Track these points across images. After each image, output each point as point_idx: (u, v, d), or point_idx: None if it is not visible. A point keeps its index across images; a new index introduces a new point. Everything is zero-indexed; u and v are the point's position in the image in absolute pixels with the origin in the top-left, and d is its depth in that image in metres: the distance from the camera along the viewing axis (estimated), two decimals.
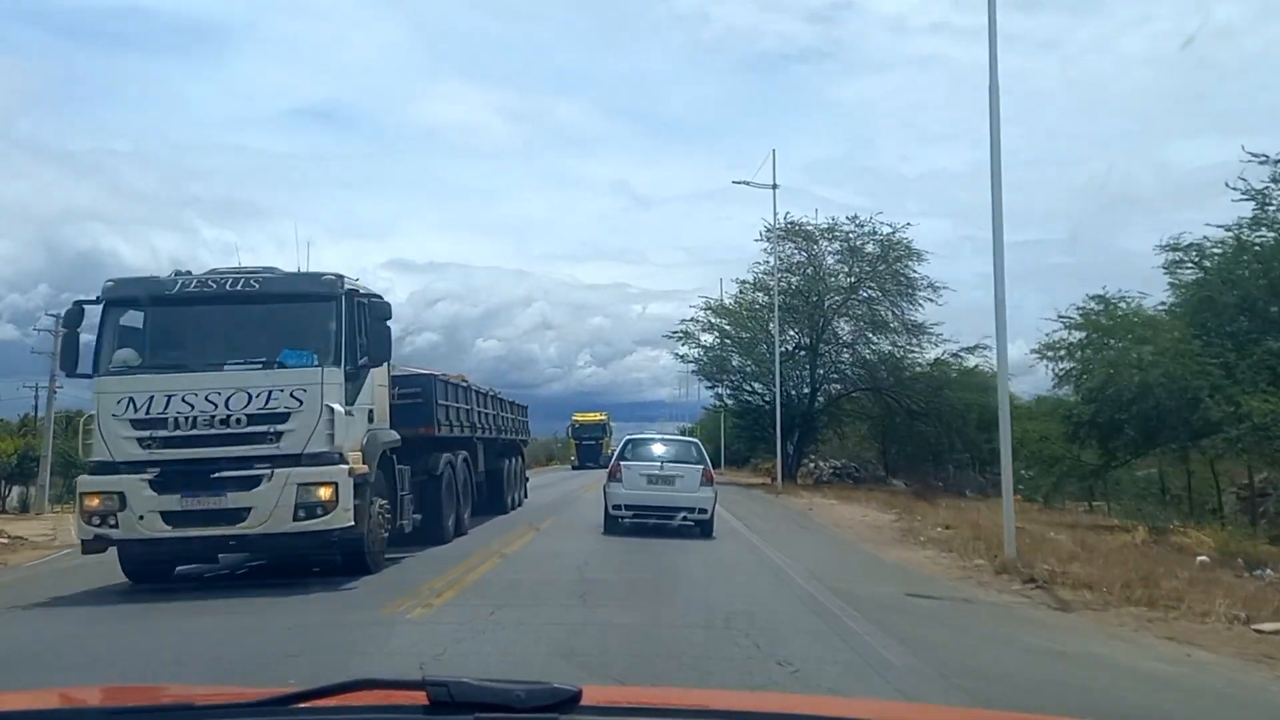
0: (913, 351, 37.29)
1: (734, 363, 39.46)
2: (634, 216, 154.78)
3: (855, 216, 36.78)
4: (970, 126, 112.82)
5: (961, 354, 36.76)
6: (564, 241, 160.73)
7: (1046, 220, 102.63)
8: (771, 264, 37.26)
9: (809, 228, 37.13)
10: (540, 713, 1.62)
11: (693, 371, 43.59)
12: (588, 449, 55.57)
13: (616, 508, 15.90)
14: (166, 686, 3.45)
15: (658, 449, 17.00)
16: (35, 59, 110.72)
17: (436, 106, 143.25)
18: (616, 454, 17.20)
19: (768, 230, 37.22)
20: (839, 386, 39.23)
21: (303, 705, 1.71)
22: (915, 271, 36.64)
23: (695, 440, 20.46)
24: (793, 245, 38.02)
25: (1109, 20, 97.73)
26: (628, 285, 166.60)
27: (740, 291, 39.71)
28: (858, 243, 37.15)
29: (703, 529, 15.73)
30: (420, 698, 1.65)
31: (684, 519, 15.58)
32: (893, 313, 37.45)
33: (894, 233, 36.46)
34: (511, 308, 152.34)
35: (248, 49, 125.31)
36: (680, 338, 40.01)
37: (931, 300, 36.59)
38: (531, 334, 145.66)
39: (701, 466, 16.18)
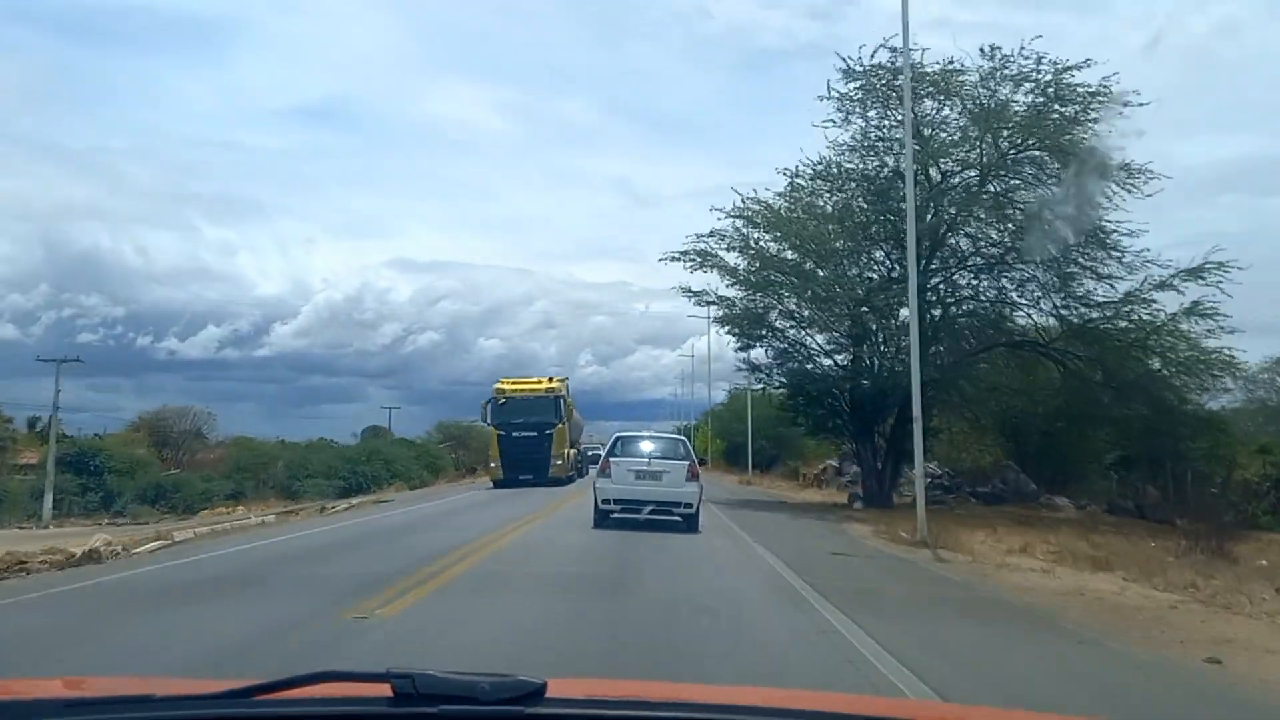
0: (1090, 277, 21.45)
1: (783, 302, 23.28)
2: (635, 214, 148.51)
3: (994, 48, 20.84)
4: None
5: (1175, 280, 20.78)
6: (565, 240, 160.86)
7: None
8: (851, 131, 21.67)
9: (913, 69, 21.09)
10: (505, 705, 1.57)
11: (717, 320, 27.24)
12: (522, 448, 29.88)
13: (605, 502, 16.31)
14: (127, 678, 3.33)
15: (646, 446, 17.17)
16: (32, 56, 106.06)
17: (436, 104, 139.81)
18: (606, 451, 17.51)
19: (846, 72, 21.57)
20: (969, 339, 23.08)
21: (264, 697, 1.66)
22: (1099, 137, 20.72)
23: (682, 438, 20.38)
24: (878, 110, 22.25)
25: (1112, 18, 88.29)
26: (629, 284, 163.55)
27: (790, 188, 23.50)
28: (998, 93, 21.23)
29: (688, 523, 15.92)
30: (384, 690, 1.59)
31: (652, 512, 15.81)
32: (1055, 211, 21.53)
33: (1062, 70, 20.64)
34: (513, 306, 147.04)
35: (246, 46, 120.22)
36: (695, 263, 23.66)
37: (1133, 190, 20.79)
38: (533, 333, 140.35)
39: (687, 462, 16.62)
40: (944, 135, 22.62)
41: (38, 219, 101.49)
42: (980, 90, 21.74)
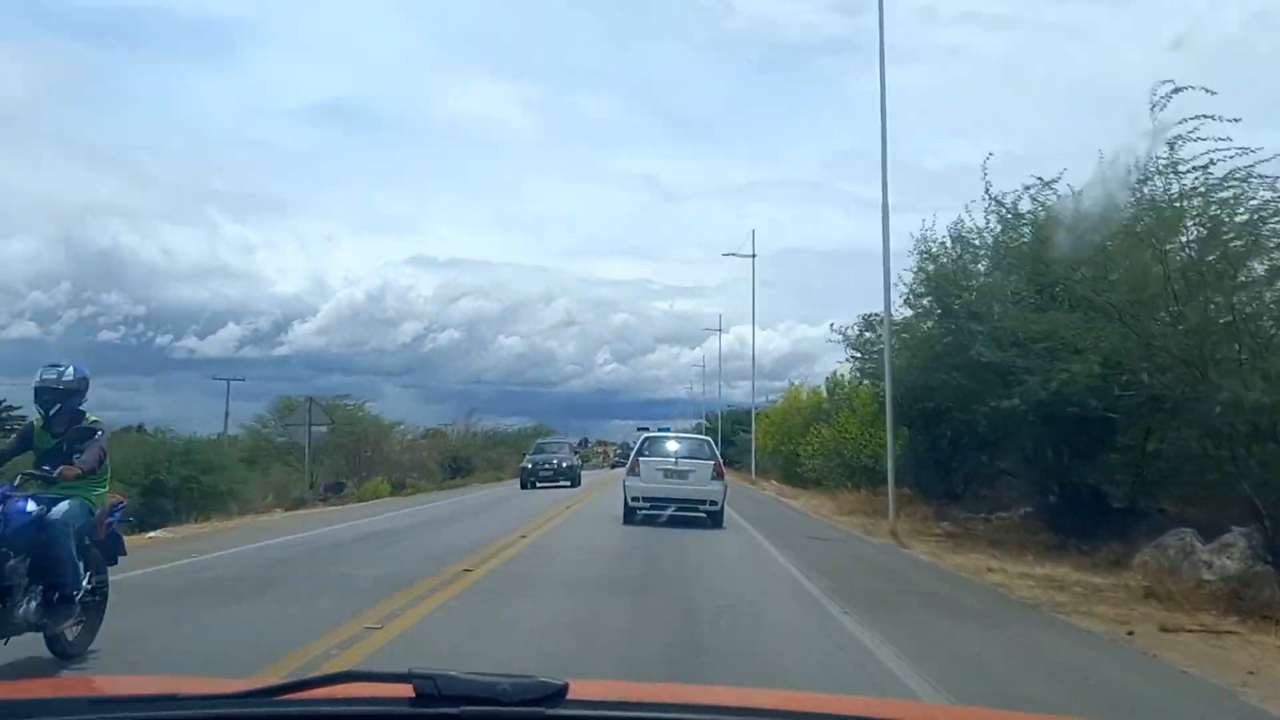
0: None
1: None
2: (656, 212, 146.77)
3: None
4: (997, 118, 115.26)
5: None
6: (586, 237, 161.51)
7: None
8: None
9: None
10: (527, 706, 1.59)
11: None
12: None
13: (635, 499, 17.09)
14: (152, 677, 3.27)
15: (672, 446, 18.16)
16: (54, 56, 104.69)
17: (457, 101, 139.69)
18: (635, 450, 18.48)
19: None
20: None
21: (288, 697, 1.70)
22: None
23: (707, 438, 21.14)
24: None
25: (1144, 9, 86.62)
26: (650, 282, 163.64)
27: None
28: None
29: (713, 519, 16.96)
30: (406, 690, 1.61)
31: (679, 509, 16.79)
32: None
33: None
34: (533, 304, 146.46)
35: (265, 46, 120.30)
36: None
37: None
38: (553, 330, 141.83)
39: (712, 461, 17.62)
40: None
41: (59, 217, 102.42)
42: None
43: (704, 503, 17.02)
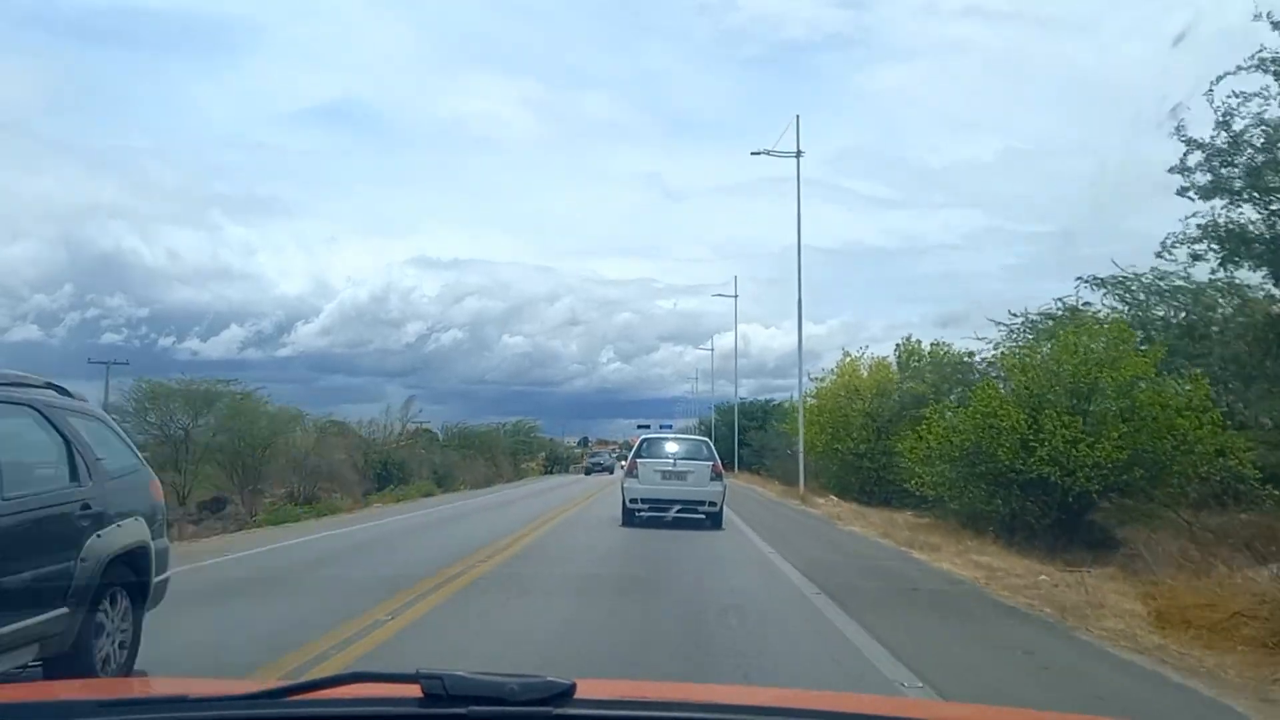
0: None
1: None
2: (658, 211, 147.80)
3: None
4: (999, 114, 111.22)
5: None
6: (588, 237, 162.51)
7: (1076, 210, 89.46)
8: None
9: None
10: (534, 706, 1.58)
11: None
12: None
13: (634, 501, 17.03)
14: (161, 678, 3.28)
15: (671, 447, 17.99)
16: (54, 60, 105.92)
17: (457, 101, 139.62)
18: (634, 452, 18.23)
19: None
20: None
21: (297, 698, 1.69)
22: None
23: (705, 439, 20.42)
24: None
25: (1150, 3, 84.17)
26: (653, 280, 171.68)
27: None
28: None
29: (712, 520, 16.81)
30: (414, 690, 1.61)
31: (678, 511, 16.63)
32: None
33: None
34: (536, 304, 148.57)
35: (266, 48, 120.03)
36: None
37: None
38: (557, 330, 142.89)
39: (711, 463, 17.40)
40: None
41: (62, 220, 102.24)
42: None
43: (703, 504, 16.92)
